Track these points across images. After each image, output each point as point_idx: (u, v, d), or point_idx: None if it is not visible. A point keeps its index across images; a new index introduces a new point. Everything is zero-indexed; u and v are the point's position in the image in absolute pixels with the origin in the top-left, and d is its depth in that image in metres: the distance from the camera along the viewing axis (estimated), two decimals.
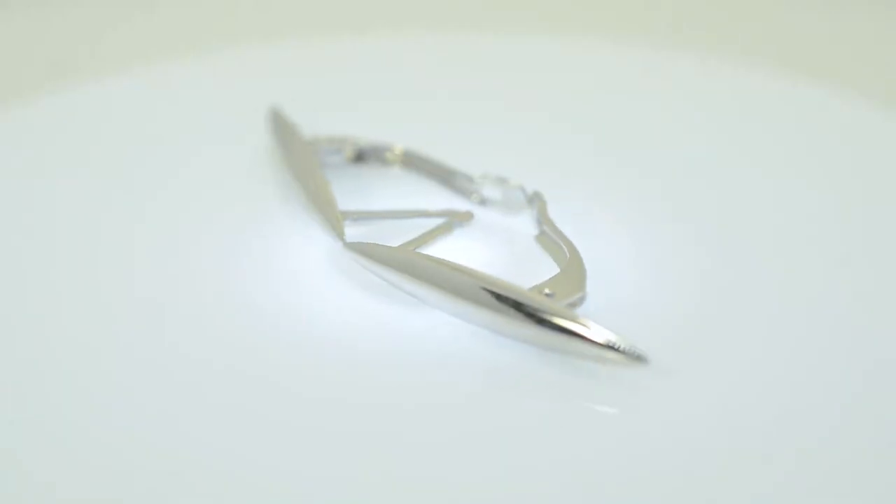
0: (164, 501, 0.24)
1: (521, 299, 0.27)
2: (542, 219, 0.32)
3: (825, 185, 0.35)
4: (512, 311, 0.27)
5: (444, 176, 0.35)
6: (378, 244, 0.30)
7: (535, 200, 0.32)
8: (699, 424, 0.26)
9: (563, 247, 0.30)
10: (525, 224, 0.33)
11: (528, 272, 0.29)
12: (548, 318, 0.27)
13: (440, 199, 0.34)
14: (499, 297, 0.27)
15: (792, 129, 0.40)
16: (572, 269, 0.29)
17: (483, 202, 0.34)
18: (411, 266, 0.29)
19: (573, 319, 0.26)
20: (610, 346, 0.26)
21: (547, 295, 0.27)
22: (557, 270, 0.29)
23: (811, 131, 0.39)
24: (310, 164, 0.34)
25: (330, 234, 0.32)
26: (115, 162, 0.37)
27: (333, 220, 0.32)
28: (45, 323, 0.29)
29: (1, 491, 0.24)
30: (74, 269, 0.31)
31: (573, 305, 0.28)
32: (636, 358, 0.26)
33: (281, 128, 0.37)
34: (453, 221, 0.32)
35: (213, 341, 0.28)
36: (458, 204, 0.34)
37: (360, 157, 0.36)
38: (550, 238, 0.31)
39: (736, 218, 0.33)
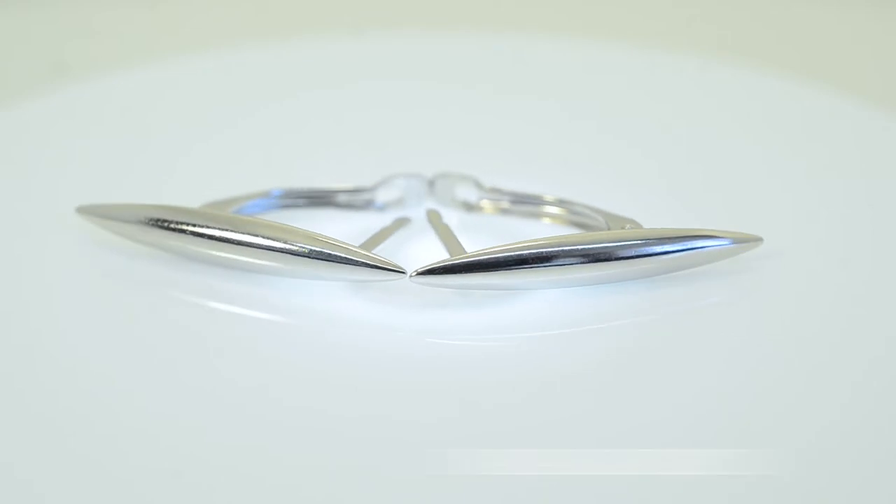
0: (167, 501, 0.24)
1: (647, 235, 0.29)
2: (483, 190, 0.33)
3: (825, 185, 0.35)
4: (647, 250, 0.29)
5: (325, 198, 0.34)
6: (446, 262, 0.28)
7: (444, 180, 0.33)
8: (699, 424, 0.26)
9: (528, 197, 0.32)
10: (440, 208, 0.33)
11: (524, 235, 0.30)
12: (691, 235, 0.29)
13: (344, 218, 0.33)
14: (623, 247, 0.29)
15: (793, 129, 0.40)
16: (597, 211, 0.31)
17: (383, 208, 0.33)
18: (515, 261, 0.28)
19: (702, 232, 0.29)
20: (738, 241, 0.29)
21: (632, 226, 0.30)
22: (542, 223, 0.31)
23: (812, 131, 0.39)
24: (269, 225, 0.29)
25: (375, 274, 0.28)
26: (115, 161, 0.37)
27: (375, 259, 0.28)
28: (44, 321, 0.29)
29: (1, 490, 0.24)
30: (75, 267, 0.31)
31: None
32: (755, 240, 0.30)
33: (115, 214, 0.31)
34: (444, 222, 0.32)
35: (218, 344, 0.28)
36: (363, 219, 0.33)
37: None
38: (504, 200, 0.33)
39: (736, 218, 0.33)
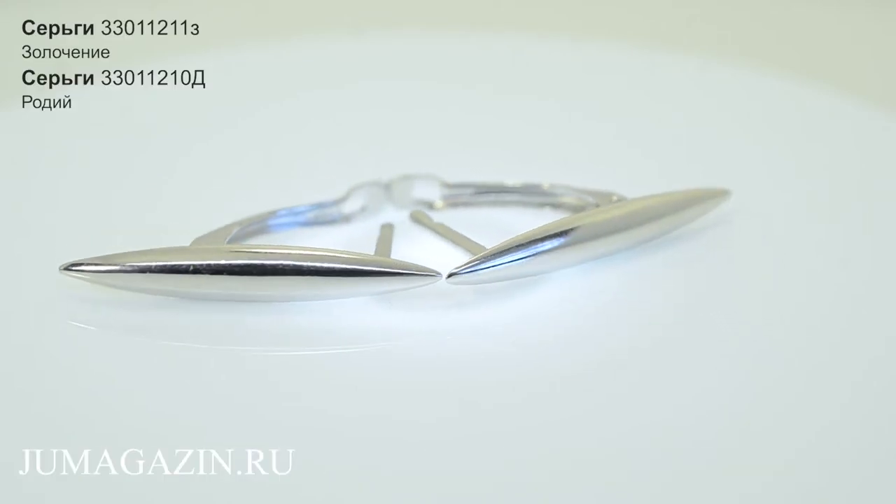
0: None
1: (648, 203, 0.30)
2: (448, 186, 0.33)
3: (825, 185, 0.35)
4: (650, 216, 0.30)
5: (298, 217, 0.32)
6: (479, 258, 0.28)
7: (404, 182, 0.33)
8: (699, 424, 0.26)
9: (493, 187, 0.33)
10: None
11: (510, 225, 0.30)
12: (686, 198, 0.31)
13: (325, 235, 0.32)
14: (624, 219, 0.30)
15: (793, 129, 0.40)
16: (578, 191, 0.32)
17: (348, 219, 0.33)
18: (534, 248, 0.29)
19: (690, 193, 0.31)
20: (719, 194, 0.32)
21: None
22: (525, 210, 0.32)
23: (812, 131, 0.39)
24: (291, 253, 0.28)
25: (410, 282, 0.28)
26: (115, 161, 0.37)
27: (410, 266, 0.28)
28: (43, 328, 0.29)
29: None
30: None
31: None
32: (723, 193, 0.32)
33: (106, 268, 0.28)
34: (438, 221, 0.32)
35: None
36: (341, 233, 0.32)
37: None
38: (474, 194, 0.33)
39: (736, 217, 0.33)
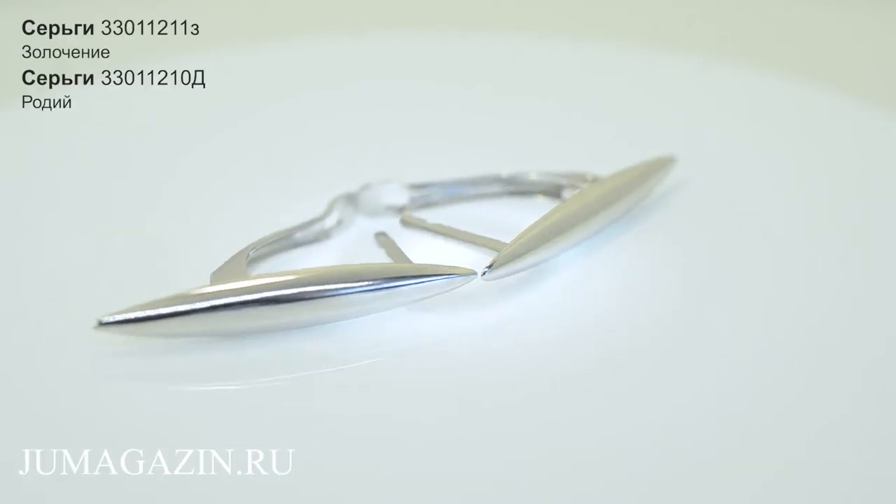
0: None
1: (624, 178, 0.32)
2: (415, 188, 0.33)
3: (825, 185, 0.35)
4: (626, 189, 0.32)
5: (287, 239, 0.31)
6: (508, 254, 0.28)
7: (368, 190, 0.33)
8: (695, 424, 0.26)
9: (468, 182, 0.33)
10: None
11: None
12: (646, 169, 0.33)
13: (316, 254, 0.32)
14: (610, 194, 0.31)
15: (793, 129, 0.40)
16: (545, 174, 0.33)
17: (328, 235, 0.32)
18: (551, 233, 0.29)
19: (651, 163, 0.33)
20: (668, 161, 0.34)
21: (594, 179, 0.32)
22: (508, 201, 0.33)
23: (812, 131, 0.39)
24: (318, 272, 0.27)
25: (449, 284, 0.28)
26: (115, 161, 0.37)
27: (445, 269, 0.28)
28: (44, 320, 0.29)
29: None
30: (77, 272, 0.31)
31: None
32: (668, 161, 0.33)
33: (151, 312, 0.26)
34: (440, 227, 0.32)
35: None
36: (331, 250, 0.32)
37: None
38: (442, 192, 0.33)
39: (735, 216, 0.33)
